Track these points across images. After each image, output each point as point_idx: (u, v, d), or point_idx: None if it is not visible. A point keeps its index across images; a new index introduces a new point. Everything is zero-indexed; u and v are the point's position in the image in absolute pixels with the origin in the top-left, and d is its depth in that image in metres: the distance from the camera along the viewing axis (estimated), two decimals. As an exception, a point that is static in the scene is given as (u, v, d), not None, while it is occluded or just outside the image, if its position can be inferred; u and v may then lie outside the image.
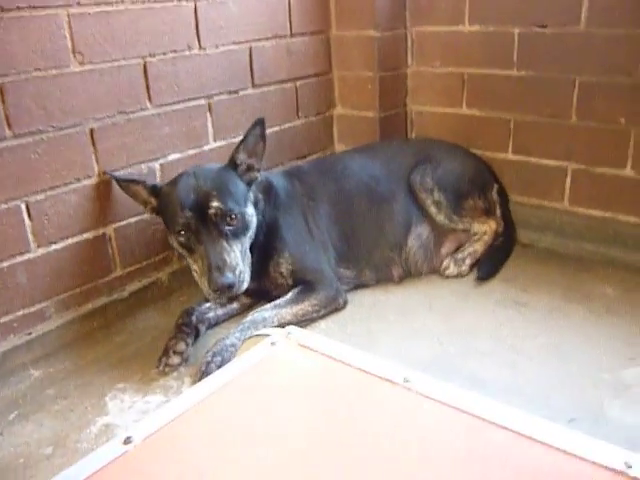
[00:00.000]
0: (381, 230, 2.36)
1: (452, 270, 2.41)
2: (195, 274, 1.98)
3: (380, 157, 2.51)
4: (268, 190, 2.21)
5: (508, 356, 1.91)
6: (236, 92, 2.40)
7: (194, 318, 2.10)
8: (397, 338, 2.04)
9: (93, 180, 2.03)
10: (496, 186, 2.60)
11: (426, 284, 2.38)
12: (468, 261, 2.43)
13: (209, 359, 1.86)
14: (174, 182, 1.99)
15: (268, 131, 2.52)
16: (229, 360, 1.85)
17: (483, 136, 2.67)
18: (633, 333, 1.98)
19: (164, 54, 2.13)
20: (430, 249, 2.42)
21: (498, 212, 2.56)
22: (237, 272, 1.90)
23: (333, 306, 2.16)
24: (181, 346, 1.95)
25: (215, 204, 1.90)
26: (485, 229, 2.48)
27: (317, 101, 2.75)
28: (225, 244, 1.91)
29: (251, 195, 2.08)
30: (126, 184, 2.04)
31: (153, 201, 2.03)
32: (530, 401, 1.70)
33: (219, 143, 2.36)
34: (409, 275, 2.41)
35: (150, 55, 2.09)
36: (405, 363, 1.86)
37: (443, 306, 2.22)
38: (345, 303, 2.21)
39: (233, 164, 2.04)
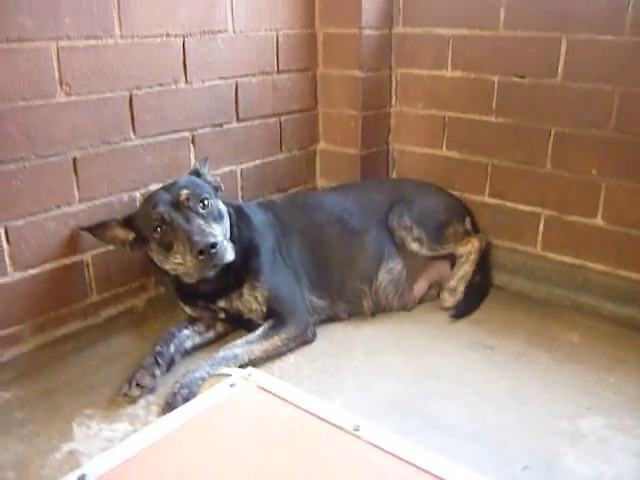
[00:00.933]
0: (353, 262, 2.41)
1: (449, 301, 2.47)
2: (178, 267, 1.99)
3: (353, 194, 2.59)
4: (241, 215, 2.27)
5: (469, 399, 1.95)
6: (220, 125, 2.46)
7: (172, 348, 2.13)
8: (363, 377, 2.07)
9: (73, 207, 2.07)
10: (468, 219, 2.66)
11: (396, 322, 2.43)
12: (461, 287, 2.49)
13: (176, 390, 1.89)
14: (144, 200, 2.09)
15: (251, 164, 2.61)
16: (195, 394, 1.88)
17: (461, 178, 2.73)
18: (592, 382, 2.03)
19: (150, 87, 2.19)
20: (401, 284, 2.47)
21: (479, 235, 2.63)
22: (219, 238, 1.94)
23: (302, 339, 2.21)
24: (146, 380, 1.96)
25: (185, 191, 2.00)
26: (469, 249, 2.54)
27: (301, 136, 2.82)
28: (202, 221, 1.97)
29: (221, 203, 2.15)
30: (101, 231, 2.07)
31: (130, 235, 2.08)
32: (487, 446, 1.74)
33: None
34: (379, 309, 2.46)
35: (136, 88, 2.15)
36: (369, 402, 1.94)
37: (411, 346, 2.26)
38: (314, 336, 2.25)
39: (196, 172, 2.18)
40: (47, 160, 1.98)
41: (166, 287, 2.30)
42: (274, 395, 1.30)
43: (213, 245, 1.91)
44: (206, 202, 2.02)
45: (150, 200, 2.04)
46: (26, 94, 1.89)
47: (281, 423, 1.24)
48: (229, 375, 1.37)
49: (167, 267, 2.05)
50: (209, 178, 2.20)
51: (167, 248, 1.98)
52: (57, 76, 1.94)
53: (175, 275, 2.12)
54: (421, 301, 2.55)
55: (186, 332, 2.21)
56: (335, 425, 1.21)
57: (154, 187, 2.25)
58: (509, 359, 2.16)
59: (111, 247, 2.16)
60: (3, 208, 1.91)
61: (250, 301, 2.20)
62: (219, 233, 2.00)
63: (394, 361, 2.16)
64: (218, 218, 2.06)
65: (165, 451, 1.18)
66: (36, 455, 1.74)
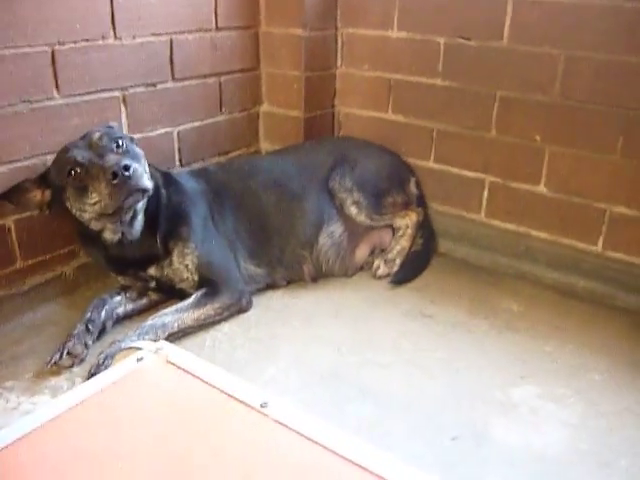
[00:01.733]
0: (292, 227, 2.35)
1: (383, 270, 2.44)
2: (97, 207, 1.87)
3: (292, 156, 2.51)
4: (169, 180, 2.18)
5: (405, 369, 1.92)
6: (154, 85, 2.34)
7: (103, 314, 2.06)
8: (299, 345, 2.03)
9: (-7, 168, 1.96)
10: (413, 179, 2.62)
11: (337, 289, 2.38)
12: (398, 260, 2.46)
13: (100, 361, 1.82)
14: (57, 154, 1.98)
15: (188, 126, 2.50)
16: (118, 363, 1.83)
17: (407, 142, 2.67)
18: (528, 350, 2.02)
19: (75, 43, 2.06)
20: (343, 248, 2.42)
21: (417, 208, 2.59)
22: (134, 164, 1.84)
23: (236, 308, 2.15)
24: (77, 348, 1.90)
25: (98, 133, 1.93)
26: (407, 222, 2.51)
27: (243, 97, 2.71)
28: (116, 155, 1.87)
29: (137, 148, 2.05)
30: (17, 196, 1.96)
31: (47, 193, 1.97)
32: (418, 417, 1.72)
33: (135, 136, 2.30)
34: (321, 274, 2.41)
35: (59, 43, 2.02)
36: (302, 372, 1.89)
37: (350, 314, 2.22)
38: (249, 304, 2.20)
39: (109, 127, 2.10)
40: (-40, 119, 1.86)
41: (93, 256, 2.20)
42: (183, 370, 1.24)
43: (126, 167, 1.79)
44: (120, 142, 1.93)
45: (62, 150, 1.95)
46: None
47: (187, 399, 1.19)
48: (139, 349, 1.30)
49: (87, 217, 1.93)
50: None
51: (83, 190, 1.86)
52: (-33, 28, 1.81)
53: (99, 237, 2.03)
54: (362, 268, 2.51)
55: (118, 299, 2.14)
56: (242, 402, 1.15)
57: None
58: (448, 328, 2.14)
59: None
60: None
61: (180, 269, 2.12)
62: (136, 162, 1.90)
63: (332, 330, 2.12)
64: (135, 158, 1.94)
65: (63, 428, 1.12)
66: (-51, 430, 1.66)
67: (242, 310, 2.17)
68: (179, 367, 1.25)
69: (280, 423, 1.11)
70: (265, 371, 1.90)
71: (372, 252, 2.53)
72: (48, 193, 1.97)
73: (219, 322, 2.11)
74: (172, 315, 2.00)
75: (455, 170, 2.58)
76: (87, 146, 1.90)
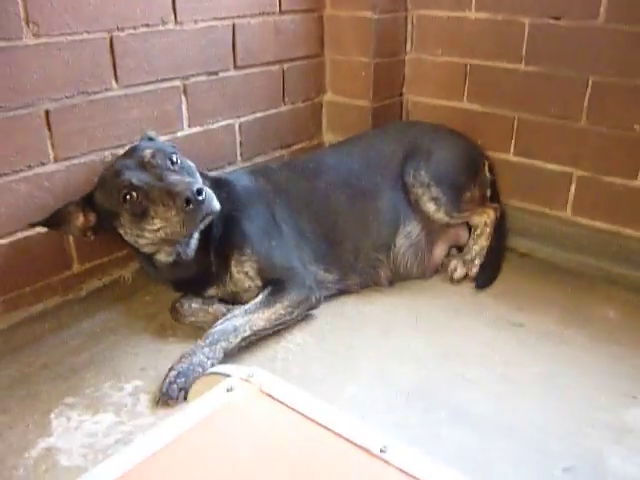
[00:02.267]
0: (366, 229, 2.16)
1: (460, 272, 2.25)
2: (161, 234, 1.72)
3: (359, 149, 2.30)
4: (221, 184, 2.00)
5: (498, 387, 1.74)
6: (216, 73, 2.17)
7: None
8: (378, 358, 1.85)
9: (48, 168, 1.81)
10: (487, 162, 2.41)
11: (414, 295, 2.19)
12: (477, 261, 2.27)
13: (172, 379, 1.67)
14: (103, 175, 1.82)
15: (250, 117, 2.33)
16: (193, 383, 1.66)
17: (483, 133, 2.46)
18: (636, 366, 1.81)
19: (134, 28, 1.90)
20: (421, 249, 2.23)
21: (494, 205, 2.39)
22: (204, 187, 1.68)
23: (307, 305, 1.97)
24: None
25: (149, 150, 1.76)
26: (485, 219, 2.32)
27: (306, 86, 2.53)
28: (176, 176, 1.73)
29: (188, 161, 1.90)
30: (59, 222, 1.80)
31: (91, 215, 1.82)
32: (522, 443, 1.54)
33: (195, 129, 2.15)
34: (398, 278, 2.22)
35: (118, 29, 1.86)
36: (386, 390, 1.72)
37: (430, 322, 2.03)
38: (319, 301, 2.01)
39: (149, 140, 1.95)
40: (14, 113, 1.70)
41: (149, 272, 2.03)
42: (281, 403, 1.07)
43: (199, 191, 1.64)
44: (174, 158, 1.77)
45: (109, 171, 1.78)
46: (-16, 34, 1.61)
47: (289, 438, 1.02)
48: (227, 375, 1.14)
49: (143, 242, 1.79)
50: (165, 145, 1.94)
51: (142, 216, 1.71)
52: (22, 13, 1.65)
53: (152, 262, 1.89)
54: (438, 269, 2.31)
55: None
56: (358, 445, 0.98)
57: (141, 144, 1.98)
58: (541, 339, 1.94)
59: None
60: (-36, 170, 1.65)
61: (241, 279, 1.95)
62: (200, 181, 1.76)
63: (413, 341, 1.94)
64: (192, 174, 1.81)
65: (154, 470, 0.96)
66: (8, 453, 1.53)
67: (312, 307, 1.99)
68: (276, 399, 1.08)
69: (404, 472, 0.93)
70: (345, 389, 1.73)
71: (449, 251, 2.33)
72: (93, 217, 1.81)
73: (289, 324, 1.94)
74: (242, 317, 1.83)
75: (538, 163, 2.37)
76: (140, 166, 1.73)
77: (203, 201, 1.65)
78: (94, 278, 2.02)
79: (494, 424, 1.59)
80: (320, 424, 1.03)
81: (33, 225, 1.79)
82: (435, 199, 2.20)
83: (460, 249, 2.34)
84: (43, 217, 1.79)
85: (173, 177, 1.71)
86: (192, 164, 1.86)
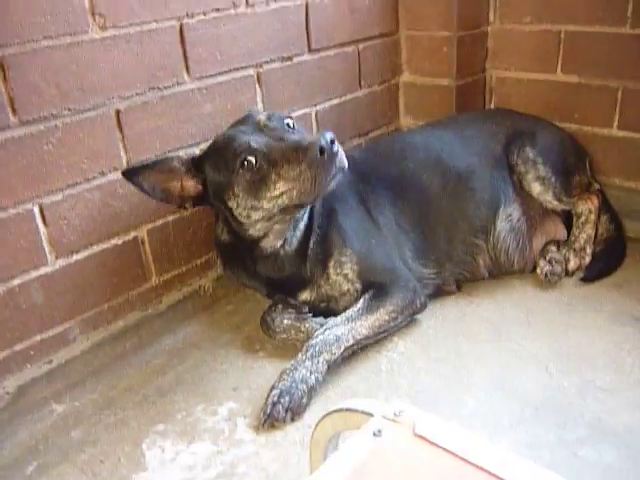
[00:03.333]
0: (461, 212, 1.96)
1: (574, 263, 2.03)
2: (282, 197, 1.54)
3: (451, 128, 2.10)
4: None
5: (638, 395, 1.52)
6: (290, 59, 1.99)
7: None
8: (494, 366, 1.66)
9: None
10: (588, 159, 2.20)
11: (518, 290, 1.99)
12: (589, 249, 2.05)
13: (275, 399, 1.51)
14: (214, 139, 1.66)
15: (327, 104, 2.16)
16: (299, 401, 1.52)
17: (582, 108, 2.22)
18: None
19: (204, 14, 1.73)
20: (523, 234, 2.01)
21: (596, 185, 2.17)
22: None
23: (411, 310, 1.79)
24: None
25: (263, 115, 1.62)
26: (589, 207, 2.10)
27: (382, 67, 2.32)
28: (298, 135, 1.57)
29: None
30: (158, 176, 1.58)
31: (194, 183, 1.63)
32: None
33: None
34: (498, 267, 2.01)
35: (187, 16, 1.69)
36: (510, 404, 1.52)
37: (544, 321, 1.83)
38: (424, 305, 1.83)
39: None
40: (84, 115, 1.56)
41: (234, 273, 1.88)
42: (442, 448, 0.88)
43: (332, 140, 1.47)
44: (291, 122, 1.62)
45: (221, 138, 1.60)
46: (50, 30, 1.45)
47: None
48: (368, 414, 0.95)
49: (257, 217, 1.61)
50: None
51: (261, 182, 1.53)
52: (87, 4, 1.50)
53: (253, 247, 1.72)
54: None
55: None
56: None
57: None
58: (675, 336, 1.71)
59: (169, 217, 1.76)
60: (35, 181, 1.51)
61: (339, 281, 1.77)
62: None
63: (528, 343, 1.74)
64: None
65: None
66: (102, 491, 1.39)
67: (417, 312, 1.81)
68: (434, 443, 0.89)
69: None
70: (463, 403, 1.54)
71: (549, 241, 2.10)
72: (195, 184, 1.63)
73: (393, 330, 1.76)
74: (343, 326, 1.66)
75: (646, 137, 2.12)
76: (257, 130, 1.57)
77: (337, 153, 1.49)
78: (173, 290, 1.88)
79: (643, 441, 1.39)
80: (492, 473, 0.84)
81: (127, 175, 1.57)
82: (542, 178, 1.99)
83: (559, 244, 2.10)
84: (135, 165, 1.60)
85: (295, 137, 1.54)
86: None
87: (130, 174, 1.57)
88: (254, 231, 1.65)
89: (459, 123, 2.12)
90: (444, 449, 0.88)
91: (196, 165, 1.62)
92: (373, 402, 0.99)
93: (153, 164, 1.59)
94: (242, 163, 1.52)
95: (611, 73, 2.12)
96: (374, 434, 0.91)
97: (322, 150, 1.45)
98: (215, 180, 1.60)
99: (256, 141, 1.52)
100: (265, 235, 1.67)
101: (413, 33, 2.33)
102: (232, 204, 1.60)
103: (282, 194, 1.53)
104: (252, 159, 1.51)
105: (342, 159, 1.51)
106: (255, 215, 1.60)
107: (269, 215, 1.59)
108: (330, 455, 0.98)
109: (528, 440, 1.42)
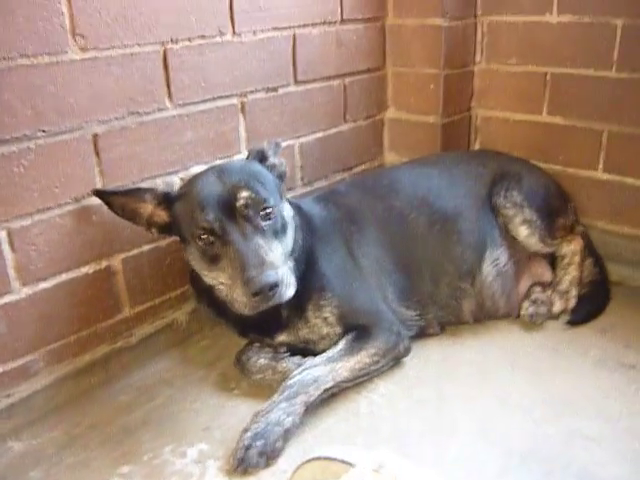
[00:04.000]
0: (447, 254, 1.91)
1: (559, 305, 1.98)
2: (222, 287, 1.54)
3: (438, 167, 2.06)
4: (297, 213, 1.77)
5: (627, 445, 1.47)
6: (275, 89, 1.96)
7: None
8: (478, 410, 1.60)
9: (96, 200, 1.58)
10: (571, 204, 2.18)
11: (503, 333, 1.94)
12: (574, 291, 2.01)
13: (247, 443, 1.42)
14: (190, 183, 1.59)
15: (311, 138, 2.11)
16: (274, 445, 1.43)
17: (567, 149, 2.21)
18: None
19: (189, 40, 1.69)
20: (509, 279, 1.97)
21: (581, 228, 2.16)
22: (280, 273, 1.47)
23: (394, 354, 1.72)
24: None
25: (245, 194, 1.51)
26: (573, 248, 2.07)
27: (367, 102, 2.30)
28: (261, 241, 1.49)
29: (287, 207, 1.68)
30: (127, 199, 1.56)
31: (163, 214, 1.59)
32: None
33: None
34: (483, 312, 1.96)
35: (172, 41, 1.66)
36: (494, 451, 1.45)
37: (529, 365, 1.77)
38: (407, 351, 1.77)
39: (261, 154, 1.67)
40: (59, 138, 1.50)
41: (207, 311, 1.80)
42: (430, 502, 0.81)
43: (273, 286, 1.44)
44: (269, 211, 1.54)
45: (196, 190, 1.54)
46: (28, 49, 1.40)
47: None
48: (348, 464, 0.88)
49: (205, 279, 1.59)
50: (275, 161, 1.69)
51: (211, 261, 1.52)
52: (68, 24, 1.45)
53: (214, 298, 1.66)
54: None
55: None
56: None
57: (196, 170, 1.75)
58: (662, 383, 1.67)
59: (145, 246, 1.70)
60: (3, 204, 1.44)
61: (319, 325, 1.71)
62: (280, 260, 1.52)
63: (513, 388, 1.68)
64: (281, 232, 1.57)
65: None
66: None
67: (399, 357, 1.75)
68: (421, 496, 0.82)
69: None
70: (446, 449, 1.47)
71: (533, 284, 2.06)
72: (165, 217, 1.59)
73: (373, 376, 1.69)
74: (323, 366, 1.59)
75: (630, 181, 2.11)
76: (228, 209, 1.50)
77: (274, 295, 1.47)
78: (145, 322, 1.80)
79: (634, 494, 1.33)
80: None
81: (98, 194, 1.55)
82: (529, 222, 1.96)
83: (543, 286, 2.06)
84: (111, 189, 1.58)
85: (256, 244, 1.48)
86: (288, 212, 1.65)
87: (101, 194, 1.56)
88: (209, 280, 1.60)
89: (446, 163, 2.08)
90: (431, 502, 0.82)
91: (167, 201, 1.58)
92: (354, 451, 0.93)
93: (126, 191, 1.56)
94: (200, 236, 1.50)
95: (596, 116, 2.12)
96: (356, 486, 0.85)
97: (256, 294, 1.43)
98: (179, 225, 1.57)
99: (220, 225, 1.48)
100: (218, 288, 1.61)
101: (400, 69, 2.32)
102: (188, 255, 1.59)
103: (222, 284, 1.54)
104: (211, 239, 1.50)
105: (281, 296, 1.50)
106: (205, 277, 1.59)
107: (216, 287, 1.59)
108: (308, 507, 0.91)
109: (514, 491, 1.36)
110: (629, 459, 1.42)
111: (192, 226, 1.51)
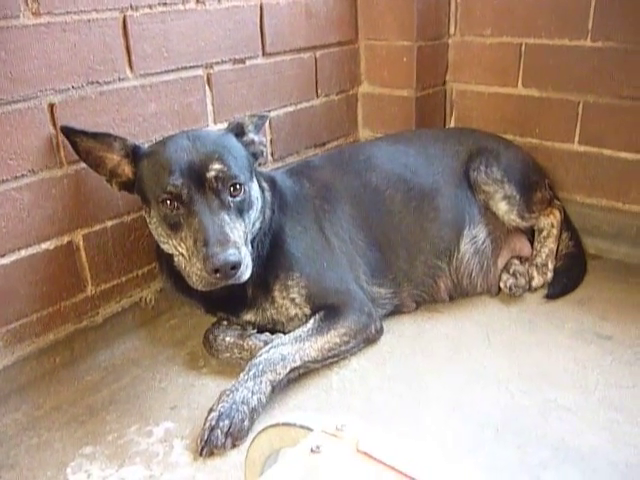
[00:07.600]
0: (424, 232, 1.87)
1: (538, 280, 1.96)
2: (180, 258, 1.50)
3: (415, 143, 2.02)
4: (271, 188, 1.73)
5: (602, 415, 1.45)
6: (242, 61, 1.90)
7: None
8: (453, 384, 1.56)
9: (54, 172, 1.53)
10: (547, 180, 2.15)
11: (479, 308, 1.91)
12: (550, 265, 1.99)
13: (213, 423, 1.38)
14: (162, 143, 1.53)
15: (281, 112, 2.06)
16: (240, 425, 1.39)
17: (542, 122, 2.18)
18: None
19: (150, 7, 1.63)
20: (487, 257, 1.94)
21: (557, 202, 2.13)
22: (242, 252, 1.43)
23: (365, 335, 1.68)
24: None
25: (217, 166, 1.46)
26: (551, 221, 2.05)
27: (340, 76, 2.25)
28: (227, 218, 1.45)
29: (255, 187, 1.62)
30: (94, 144, 1.50)
31: (128, 169, 1.53)
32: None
33: (220, 126, 1.86)
34: (459, 291, 1.93)
35: (132, 8, 1.59)
36: (468, 424, 1.42)
37: (505, 339, 1.75)
38: (379, 331, 1.73)
39: (239, 128, 1.61)
40: (12, 107, 1.43)
41: (171, 287, 1.73)
42: (389, 467, 0.77)
43: (234, 266, 1.40)
44: (238, 188, 1.49)
45: (168, 151, 1.48)
46: (-24, 12, 1.33)
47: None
48: (307, 428, 0.84)
49: (164, 246, 1.55)
50: (254, 137, 1.64)
51: (171, 228, 1.47)
52: (20, -13, 1.39)
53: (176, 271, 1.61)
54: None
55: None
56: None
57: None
58: (637, 353, 1.65)
59: (108, 222, 1.63)
60: (-45, 176, 1.37)
61: (286, 305, 1.67)
62: (242, 239, 1.47)
63: (488, 361, 1.65)
64: (246, 211, 1.53)
65: None
66: (16, 521, 1.24)
67: (371, 338, 1.70)
68: (381, 461, 0.78)
69: None
70: (419, 424, 1.44)
71: (511, 258, 2.03)
72: (130, 172, 1.53)
73: (344, 355, 1.65)
74: (291, 345, 1.55)
75: (608, 152, 2.09)
76: (198, 178, 1.44)
77: (234, 274, 1.42)
78: (111, 301, 1.74)
79: (609, 464, 1.30)
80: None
81: (65, 130, 1.49)
82: (508, 197, 1.93)
83: (521, 260, 2.03)
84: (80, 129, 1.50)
85: (221, 219, 1.44)
86: (256, 192, 1.60)
87: (69, 131, 1.49)
88: (167, 248, 1.54)
89: (422, 139, 2.04)
90: (390, 467, 0.78)
91: (135, 155, 1.52)
92: (313, 415, 0.88)
93: (95, 134, 1.50)
94: (165, 200, 1.45)
95: (572, 87, 2.09)
96: (312, 450, 0.80)
97: (217, 270, 1.39)
98: (144, 184, 1.51)
99: (187, 192, 1.43)
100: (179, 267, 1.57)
101: (373, 42, 2.27)
102: (148, 218, 1.53)
103: (181, 255, 1.49)
104: (175, 204, 1.44)
105: (240, 277, 1.45)
106: (164, 245, 1.54)
107: (175, 257, 1.54)
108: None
109: (488, 463, 1.33)
110: (605, 428, 1.40)
111: (157, 188, 1.45)
